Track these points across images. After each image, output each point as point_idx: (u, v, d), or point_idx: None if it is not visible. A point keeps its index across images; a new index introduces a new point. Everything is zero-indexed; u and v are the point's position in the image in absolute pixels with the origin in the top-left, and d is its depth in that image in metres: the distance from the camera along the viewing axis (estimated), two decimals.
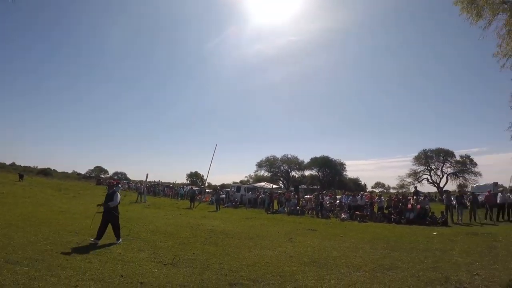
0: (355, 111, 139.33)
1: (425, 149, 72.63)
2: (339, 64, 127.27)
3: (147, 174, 43.04)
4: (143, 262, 8.98)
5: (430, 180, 71.41)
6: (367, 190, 66.89)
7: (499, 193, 24.84)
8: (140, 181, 49.04)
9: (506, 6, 12.66)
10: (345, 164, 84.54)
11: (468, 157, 70.13)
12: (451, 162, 70.73)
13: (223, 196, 37.37)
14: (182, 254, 10.13)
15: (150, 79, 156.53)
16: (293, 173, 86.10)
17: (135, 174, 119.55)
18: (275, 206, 31.51)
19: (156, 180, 73.42)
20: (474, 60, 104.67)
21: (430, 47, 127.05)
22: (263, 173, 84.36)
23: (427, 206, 23.54)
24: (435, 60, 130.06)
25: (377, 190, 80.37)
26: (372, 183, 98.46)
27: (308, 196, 32.93)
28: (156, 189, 52.90)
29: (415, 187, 37.19)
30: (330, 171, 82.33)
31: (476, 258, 10.78)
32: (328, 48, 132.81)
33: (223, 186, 66.55)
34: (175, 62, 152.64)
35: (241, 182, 75.61)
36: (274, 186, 53.07)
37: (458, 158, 70.33)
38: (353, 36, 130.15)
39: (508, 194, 24.82)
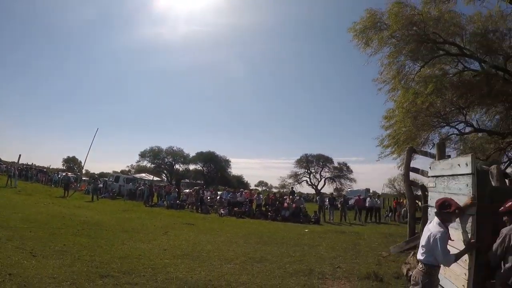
0: (247, 110, 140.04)
1: (307, 154, 76.84)
2: (239, 62, 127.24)
3: (20, 156, 37.59)
4: (11, 253, 8.19)
5: (309, 182, 76.01)
6: (250, 188, 68.52)
7: (368, 198, 28.33)
8: (12, 163, 44.12)
9: (394, 40, 13.81)
10: (230, 161, 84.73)
11: (345, 164, 77.00)
12: (329, 167, 76.53)
13: (101, 185, 34.92)
14: (53, 245, 9.43)
15: (26, 46, 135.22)
16: (177, 166, 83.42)
17: (6, 154, 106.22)
18: (155, 199, 30.56)
19: (29, 164, 66.35)
20: (362, 80, 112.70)
21: (326, 64, 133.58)
22: (146, 163, 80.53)
23: (302, 205, 25.09)
24: (327, 74, 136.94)
25: (260, 189, 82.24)
26: (256, 182, 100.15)
27: (188, 190, 32.48)
28: (28, 173, 47.48)
29: (292, 188, 39.09)
30: (215, 166, 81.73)
31: (341, 253, 11.65)
32: (231, 44, 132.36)
33: (102, 175, 62.98)
34: (54, 30, 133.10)
35: (122, 172, 69.96)
36: (156, 178, 51.55)
37: (336, 164, 76.33)
38: (257, 38, 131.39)
39: (376, 199, 28.23)
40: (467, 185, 4.60)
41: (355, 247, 12.98)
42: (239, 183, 78.82)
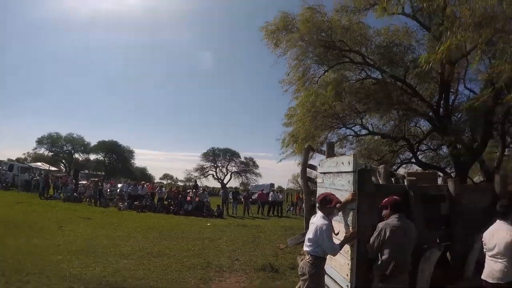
0: (153, 99, 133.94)
1: (214, 147, 75.56)
2: (147, 49, 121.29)
3: None
4: None
5: (216, 176, 75.28)
6: (155, 181, 67.02)
7: (271, 192, 29.07)
8: None
9: (302, 43, 14.16)
10: (134, 152, 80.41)
11: (251, 159, 76.69)
12: (236, 162, 75.92)
13: None
14: None
15: None
16: (77, 155, 76.68)
17: None
18: (51, 191, 28.60)
19: None
20: (275, 79, 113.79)
21: (238, 60, 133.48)
22: (44, 151, 72.88)
23: (205, 199, 25.00)
24: (241, 70, 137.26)
25: (164, 182, 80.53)
26: (161, 175, 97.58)
27: (86, 182, 30.71)
28: None
29: (195, 181, 38.76)
30: (117, 157, 76.79)
31: (240, 246, 11.93)
32: (141, 29, 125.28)
33: None
34: None
35: (18, 160, 64.14)
36: (53, 168, 48.34)
37: (243, 159, 76.02)
38: (169, 26, 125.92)
39: (278, 194, 29.28)
40: (349, 182, 4.92)
41: (255, 240, 13.30)
42: (143, 175, 76.17)
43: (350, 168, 4.89)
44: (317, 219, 4.59)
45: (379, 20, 14.55)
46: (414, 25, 13.45)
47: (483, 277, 4.75)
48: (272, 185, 46.82)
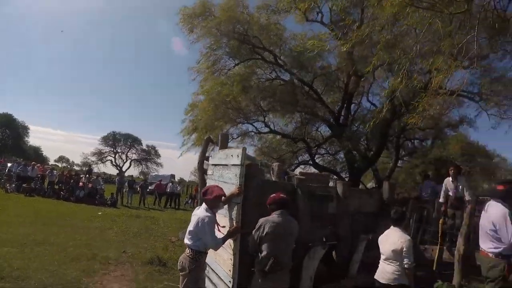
0: (54, 73, 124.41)
1: (115, 132, 70.85)
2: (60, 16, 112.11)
3: None
4: None
5: (114, 163, 71.49)
6: (49, 163, 62.54)
7: (170, 184, 28.20)
8: None
9: (217, 32, 13.93)
10: (29, 128, 73.39)
11: (153, 147, 73.35)
12: (137, 149, 72.26)
13: None
14: None
15: None
16: None
17: None
18: None
19: None
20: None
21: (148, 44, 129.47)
22: None
23: (99, 186, 23.52)
24: (154, 56, 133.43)
25: (60, 165, 75.41)
26: (56, 156, 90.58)
27: None
28: None
29: (89, 166, 36.88)
30: (11, 133, 69.03)
31: (130, 237, 11.43)
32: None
33: None
34: None
35: None
36: None
37: (144, 147, 72.62)
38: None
39: (177, 185, 29.06)
40: (236, 175, 4.79)
41: (147, 231, 12.82)
42: (37, 155, 70.07)
43: (238, 161, 4.77)
44: (200, 211, 4.45)
45: (299, 25, 14.98)
46: (331, 35, 13.84)
47: (376, 276, 5.03)
48: (172, 176, 45.89)
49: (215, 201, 4.45)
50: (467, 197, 8.08)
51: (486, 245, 4.73)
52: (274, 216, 4.40)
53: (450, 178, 8.44)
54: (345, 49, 8.76)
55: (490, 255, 4.65)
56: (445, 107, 16.81)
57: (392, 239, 4.90)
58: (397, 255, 4.77)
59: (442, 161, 18.86)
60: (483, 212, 4.94)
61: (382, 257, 5.04)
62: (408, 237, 4.90)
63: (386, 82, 14.01)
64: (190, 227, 4.43)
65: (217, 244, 4.37)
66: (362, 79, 14.71)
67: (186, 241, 4.44)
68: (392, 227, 5.08)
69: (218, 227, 4.59)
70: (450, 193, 8.42)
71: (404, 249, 4.72)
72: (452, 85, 10.20)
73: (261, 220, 4.42)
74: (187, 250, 4.41)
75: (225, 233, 4.58)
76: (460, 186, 8.27)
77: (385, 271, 4.91)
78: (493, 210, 4.65)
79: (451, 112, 18.02)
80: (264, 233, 4.28)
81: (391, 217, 5.15)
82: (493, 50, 10.82)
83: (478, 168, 22.10)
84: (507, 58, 11.54)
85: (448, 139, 20.97)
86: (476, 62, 7.71)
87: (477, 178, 23.18)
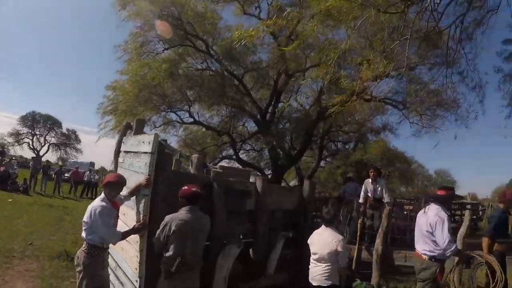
0: None
1: (35, 112, 65.33)
2: None
3: None
4: None
5: (31, 146, 66.89)
6: None
7: (88, 172, 26.46)
8: None
9: (149, 13, 13.37)
10: None
11: (74, 132, 68.51)
12: (56, 132, 67.20)
13: None
14: None
15: None
16: None
17: None
18: None
19: None
20: None
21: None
22: None
23: (12, 170, 21.80)
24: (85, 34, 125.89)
25: None
26: None
27: None
28: None
29: (2, 147, 34.23)
30: None
31: (40, 228, 10.69)
32: None
33: None
34: None
35: None
36: None
37: (64, 130, 67.82)
38: None
39: (95, 174, 27.22)
40: (146, 164, 4.44)
41: (59, 222, 12.14)
42: None
43: (149, 149, 4.38)
44: (96, 200, 4.10)
45: (237, 17, 14.74)
46: (264, 31, 13.82)
47: (309, 278, 4.99)
48: (91, 164, 43.84)
49: (106, 188, 4.13)
50: (386, 199, 8.48)
51: (421, 247, 4.87)
52: (182, 213, 4.09)
53: (370, 180, 8.75)
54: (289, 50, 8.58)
55: (424, 257, 4.79)
56: (369, 113, 17.50)
57: (325, 240, 4.89)
58: (331, 255, 4.77)
59: (363, 164, 19.58)
60: (421, 213, 5.07)
61: (313, 257, 5.01)
62: (341, 237, 4.95)
63: (315, 84, 14.16)
64: (85, 218, 4.04)
65: (112, 237, 4.04)
66: (292, 79, 14.83)
67: (83, 234, 4.06)
68: (323, 227, 5.09)
69: (120, 219, 4.31)
70: (369, 194, 8.74)
71: (340, 249, 4.75)
72: (378, 92, 10.56)
73: (167, 218, 4.07)
74: (84, 244, 4.03)
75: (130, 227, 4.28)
76: (379, 188, 8.59)
77: (316, 272, 4.90)
78: (432, 213, 4.76)
79: (375, 118, 18.82)
80: (171, 231, 3.95)
81: (323, 217, 5.17)
82: (422, 61, 11.30)
83: (397, 173, 23.19)
84: (435, 69, 11.99)
85: (370, 144, 21.94)
86: (405, 70, 7.90)
87: (395, 181, 24.53)
